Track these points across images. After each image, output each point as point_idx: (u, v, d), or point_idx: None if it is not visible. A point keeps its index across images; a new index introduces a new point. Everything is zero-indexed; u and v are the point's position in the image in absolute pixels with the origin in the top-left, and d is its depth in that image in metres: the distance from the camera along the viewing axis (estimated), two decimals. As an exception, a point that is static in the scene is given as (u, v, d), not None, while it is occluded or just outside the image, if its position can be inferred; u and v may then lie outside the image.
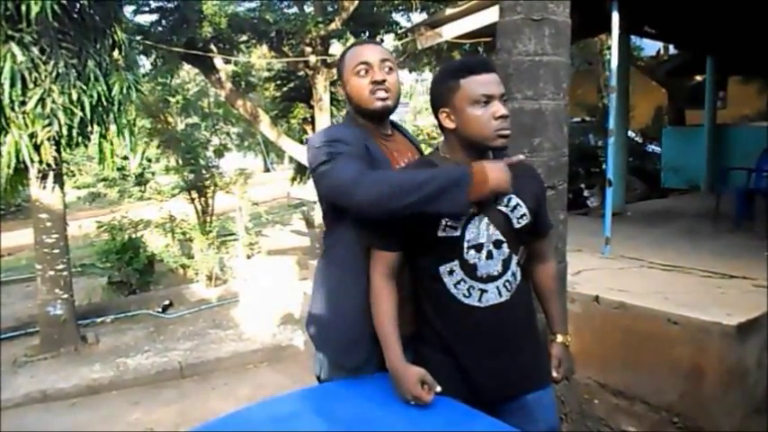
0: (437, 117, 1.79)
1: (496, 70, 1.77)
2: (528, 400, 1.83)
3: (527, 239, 1.90)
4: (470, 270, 1.76)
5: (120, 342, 5.78)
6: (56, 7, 4.53)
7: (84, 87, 4.89)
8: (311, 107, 11.62)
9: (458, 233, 1.73)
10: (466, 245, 1.75)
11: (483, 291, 1.76)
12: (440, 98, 1.76)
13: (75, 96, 4.83)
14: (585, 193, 9.39)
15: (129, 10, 9.09)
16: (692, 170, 10.09)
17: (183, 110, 10.64)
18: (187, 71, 13.26)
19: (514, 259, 1.81)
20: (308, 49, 10.26)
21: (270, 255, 9.25)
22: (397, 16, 11.83)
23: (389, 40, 11.75)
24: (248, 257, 9.02)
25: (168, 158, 10.38)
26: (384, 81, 1.90)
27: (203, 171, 9.46)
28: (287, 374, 4.91)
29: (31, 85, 4.67)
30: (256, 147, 23.30)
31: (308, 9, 11.11)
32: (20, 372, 5.12)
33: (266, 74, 13.72)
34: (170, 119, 10.40)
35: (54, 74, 4.75)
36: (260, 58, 11.77)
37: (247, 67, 12.53)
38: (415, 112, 23.21)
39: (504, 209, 1.78)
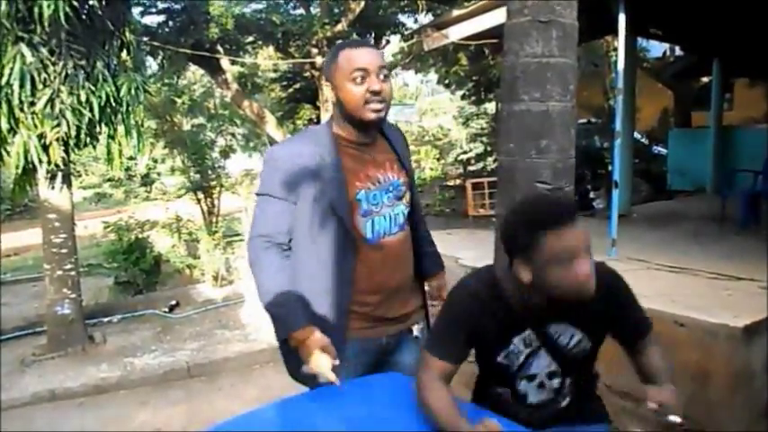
0: (511, 265, 1.64)
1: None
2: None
3: (592, 360, 1.87)
4: (521, 398, 1.78)
5: (127, 342, 5.80)
6: (67, 9, 4.56)
7: (93, 88, 4.92)
8: (317, 108, 11.68)
9: (515, 367, 1.74)
10: (519, 375, 1.75)
11: (532, 413, 1.79)
12: (516, 249, 1.61)
13: (83, 97, 4.86)
14: (591, 195, 9.39)
15: (136, 11, 9.18)
16: (698, 172, 10.08)
17: (189, 110, 10.68)
18: (193, 72, 13.31)
19: (568, 383, 1.79)
20: (315, 51, 10.31)
21: (275, 255, 9.26)
22: (403, 18, 11.86)
23: (395, 42, 11.78)
24: (254, 258, 9.03)
25: (174, 159, 10.41)
26: (381, 92, 1.84)
27: (209, 172, 9.49)
28: (293, 375, 4.92)
29: (40, 86, 4.70)
30: (262, 148, 23.33)
31: (315, 11, 11.14)
32: (27, 371, 5.14)
33: (272, 75, 13.79)
34: (176, 119, 10.43)
35: (63, 75, 4.78)
36: (266, 59, 11.82)
37: (253, 68, 12.59)
38: (421, 113, 23.21)
39: (562, 343, 1.74)
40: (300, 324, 1.80)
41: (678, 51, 14.73)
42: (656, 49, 16.01)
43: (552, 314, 1.68)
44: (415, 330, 2.12)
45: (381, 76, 1.84)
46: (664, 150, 12.43)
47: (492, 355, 1.73)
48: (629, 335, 1.82)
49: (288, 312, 1.84)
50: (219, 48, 9.96)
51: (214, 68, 10.45)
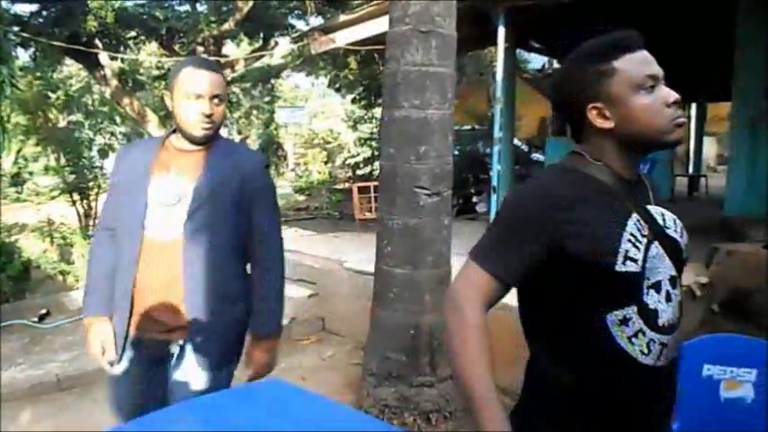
0: (578, 114, 1.34)
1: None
2: None
3: None
4: (652, 318, 1.27)
5: (-10, 354, 5.41)
6: None
7: (-49, 81, 4.58)
8: (202, 107, 11.36)
9: (639, 268, 1.25)
10: (646, 283, 1.27)
11: (664, 345, 1.29)
12: (585, 90, 1.32)
13: (-60, 90, 4.51)
14: (474, 199, 9.73)
15: (4, -1, 8.55)
16: (573, 178, 10.62)
17: (65, 106, 10.09)
18: (70, 65, 12.61)
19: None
20: (200, 49, 10.06)
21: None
22: (293, 20, 11.78)
23: (285, 44, 11.69)
24: (134, 262, 8.68)
25: (48, 158, 9.82)
26: (212, 115, 1.93)
27: (86, 172, 9.01)
28: (174, 383, 4.77)
29: None
30: (144, 147, 22.36)
31: (201, 8, 10.87)
32: None
33: (156, 72, 13.30)
34: (50, 115, 9.84)
35: None
36: (149, 55, 11.39)
37: (135, 64, 12.08)
38: (311, 116, 23.14)
39: (672, 233, 1.34)
40: (87, 311, 2.16)
41: (556, 64, 15.56)
42: (537, 60, 16.82)
43: (643, 194, 1.36)
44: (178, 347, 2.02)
45: (215, 101, 1.94)
46: (542, 157, 13.02)
47: (608, 264, 1.24)
48: None
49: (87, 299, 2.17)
50: (98, 42, 9.50)
51: (92, 63, 9.95)
